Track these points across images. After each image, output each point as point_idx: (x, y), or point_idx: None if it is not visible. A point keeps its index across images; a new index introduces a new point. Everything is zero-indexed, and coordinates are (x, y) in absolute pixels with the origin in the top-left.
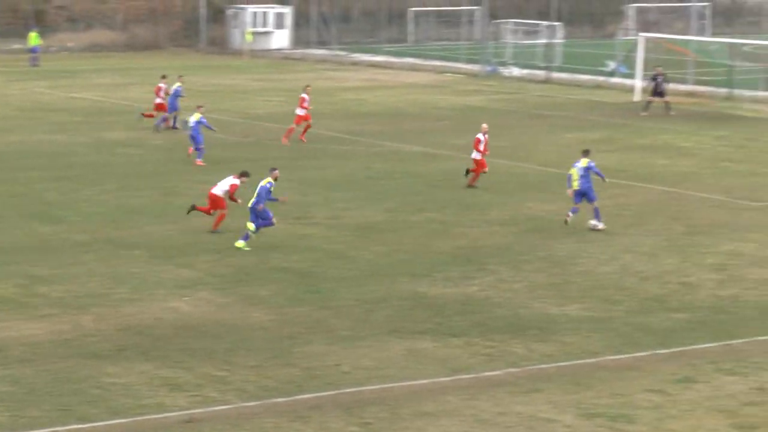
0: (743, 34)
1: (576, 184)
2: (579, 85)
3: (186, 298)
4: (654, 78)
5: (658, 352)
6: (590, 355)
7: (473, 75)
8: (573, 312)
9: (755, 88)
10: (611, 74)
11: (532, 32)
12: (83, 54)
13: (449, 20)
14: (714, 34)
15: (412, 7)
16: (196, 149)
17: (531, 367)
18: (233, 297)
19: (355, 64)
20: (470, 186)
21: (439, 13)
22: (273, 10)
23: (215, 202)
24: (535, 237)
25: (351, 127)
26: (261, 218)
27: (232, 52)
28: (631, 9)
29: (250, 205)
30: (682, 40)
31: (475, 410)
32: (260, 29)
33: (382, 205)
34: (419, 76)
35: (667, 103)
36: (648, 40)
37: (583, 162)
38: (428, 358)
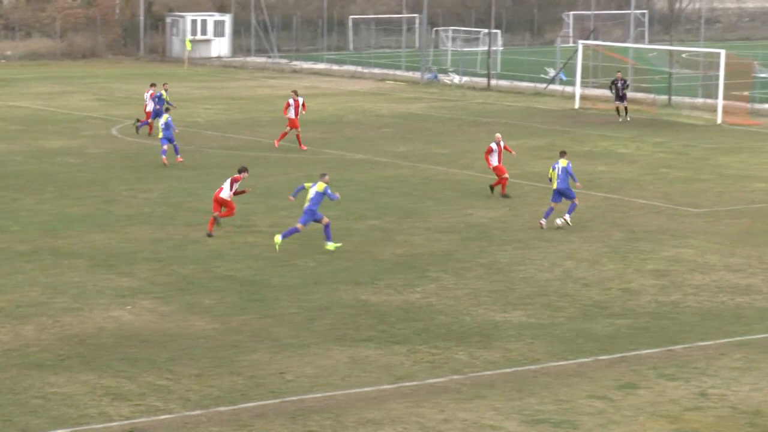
0: (681, 42)
1: (555, 184)
2: (519, 92)
3: (128, 307)
4: (614, 83)
5: (600, 358)
6: (533, 361)
7: (414, 82)
8: (516, 319)
9: (694, 95)
10: (551, 81)
11: (471, 40)
12: (21, 62)
13: (389, 28)
14: (652, 42)
15: (352, 14)
16: (174, 147)
17: (475, 374)
18: (175, 305)
19: (295, 72)
20: (504, 195)
21: (379, 21)
22: (212, 18)
23: (227, 205)
24: (476, 244)
25: (293, 135)
26: (314, 219)
27: (171, 60)
28: (570, 17)
29: (307, 206)
30: (621, 47)
31: (419, 417)
32: (200, 37)
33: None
34: (360, 84)
35: (625, 108)
36: (587, 47)
37: (563, 162)
38: (372, 365)
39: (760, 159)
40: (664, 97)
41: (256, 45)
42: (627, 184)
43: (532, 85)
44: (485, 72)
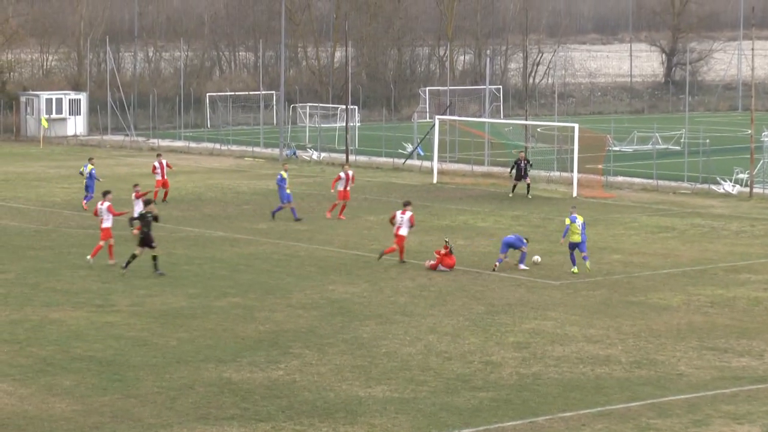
0: (536, 116)
1: (577, 237)
2: (378, 167)
3: None
4: (516, 163)
5: (464, 431)
6: None
7: (273, 159)
8: (379, 393)
9: (549, 168)
10: (409, 156)
11: (329, 116)
12: None
13: (247, 105)
14: (507, 116)
15: (209, 92)
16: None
17: None
18: (34, 387)
19: (153, 149)
20: None
21: (236, 98)
22: (67, 96)
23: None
24: (338, 320)
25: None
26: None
27: (26, 140)
28: (426, 92)
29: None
30: (478, 121)
31: None
32: (55, 116)
33: (185, 291)
34: (219, 161)
35: (528, 185)
36: (443, 122)
37: (581, 218)
38: None
39: (616, 231)
40: None
41: (113, 123)
42: (486, 257)
43: (390, 160)
44: (343, 148)
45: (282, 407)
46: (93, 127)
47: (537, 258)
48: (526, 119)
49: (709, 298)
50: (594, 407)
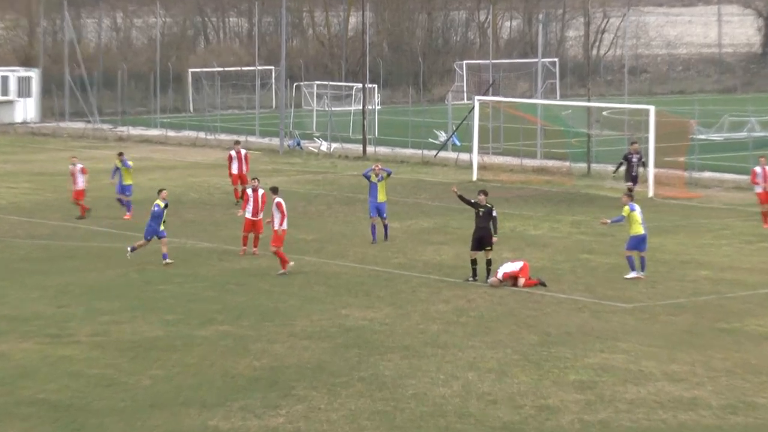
0: (601, 96)
1: (640, 228)
2: (403, 161)
3: None
4: (626, 157)
5: None
6: None
7: (272, 151)
8: None
9: (618, 161)
10: (442, 148)
11: (342, 97)
12: None
13: (239, 83)
14: (565, 97)
15: (192, 68)
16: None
17: None
18: None
19: (122, 140)
20: None
21: (225, 75)
22: (15, 73)
23: None
24: (354, 353)
25: (118, 220)
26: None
27: None
28: (463, 67)
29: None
30: (528, 103)
31: None
32: (0, 98)
33: (160, 317)
34: (204, 154)
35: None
36: (485, 104)
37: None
38: None
39: (702, 240)
40: (582, 165)
41: (72, 107)
42: (540, 273)
43: (418, 152)
44: (360, 137)
45: None
46: (47, 111)
47: None
48: (589, 100)
49: None
50: None
